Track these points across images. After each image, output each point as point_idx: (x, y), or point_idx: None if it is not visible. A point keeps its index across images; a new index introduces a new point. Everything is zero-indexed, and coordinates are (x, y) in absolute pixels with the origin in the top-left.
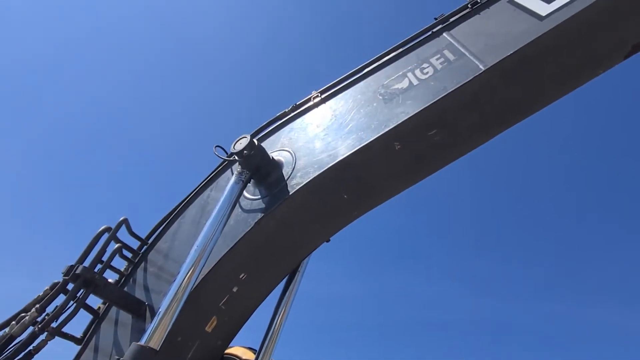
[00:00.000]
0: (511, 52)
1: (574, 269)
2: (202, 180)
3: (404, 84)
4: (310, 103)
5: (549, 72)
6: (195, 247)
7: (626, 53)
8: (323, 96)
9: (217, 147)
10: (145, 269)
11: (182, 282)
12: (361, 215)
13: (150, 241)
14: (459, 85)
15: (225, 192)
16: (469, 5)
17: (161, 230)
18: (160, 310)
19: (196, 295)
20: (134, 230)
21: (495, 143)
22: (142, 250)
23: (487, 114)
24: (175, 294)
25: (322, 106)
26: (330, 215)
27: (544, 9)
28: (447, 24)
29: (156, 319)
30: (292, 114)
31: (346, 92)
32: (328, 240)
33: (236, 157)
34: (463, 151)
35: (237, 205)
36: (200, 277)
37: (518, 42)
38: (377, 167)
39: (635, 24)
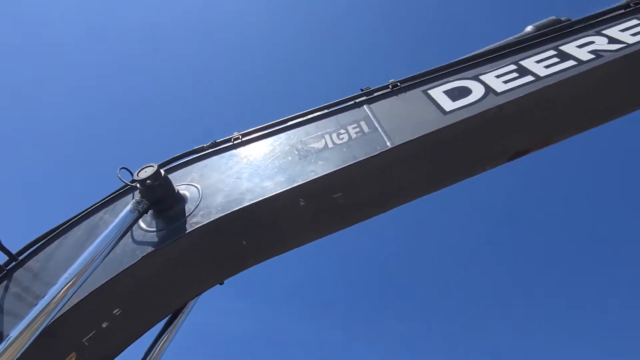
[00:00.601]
0: (415, 137)
1: (479, 330)
2: (97, 201)
3: (320, 144)
4: (230, 143)
5: (445, 160)
6: (68, 271)
7: (510, 156)
8: (244, 139)
9: (122, 169)
10: (7, 288)
11: (44, 308)
12: (258, 264)
13: (21, 258)
14: (367, 156)
15: (117, 219)
16: (389, 86)
17: (37, 248)
18: (9, 336)
19: (57, 325)
20: (5, 243)
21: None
22: (9, 267)
23: (389, 186)
24: (33, 320)
25: (241, 148)
26: (226, 259)
27: (448, 105)
28: (369, 97)
29: (1, 348)
30: (209, 150)
31: (267, 139)
32: (221, 283)
33: (138, 185)
34: (365, 216)
35: (129, 234)
36: (68, 306)
37: (422, 129)
38: (280, 219)
39: (520, 136)
